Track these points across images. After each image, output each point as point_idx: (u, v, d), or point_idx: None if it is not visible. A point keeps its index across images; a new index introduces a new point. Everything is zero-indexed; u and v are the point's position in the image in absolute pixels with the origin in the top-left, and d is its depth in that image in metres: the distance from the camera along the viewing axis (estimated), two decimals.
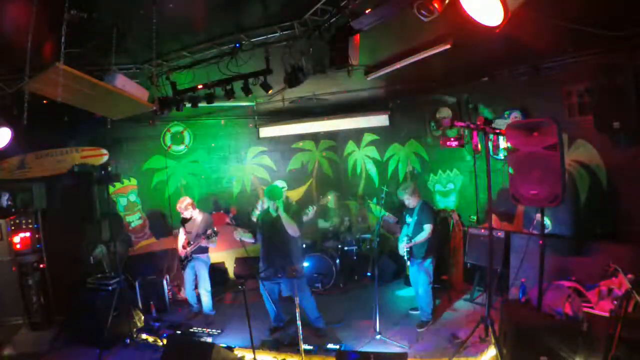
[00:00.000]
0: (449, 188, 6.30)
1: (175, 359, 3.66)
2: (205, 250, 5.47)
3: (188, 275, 5.46)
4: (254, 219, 5.59)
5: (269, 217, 4.62)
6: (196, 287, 5.57)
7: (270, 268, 4.53)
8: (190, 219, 5.49)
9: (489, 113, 5.43)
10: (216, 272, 6.33)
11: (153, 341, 4.70)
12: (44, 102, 3.62)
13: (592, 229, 4.41)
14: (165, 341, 4.25)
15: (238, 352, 4.21)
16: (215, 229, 5.23)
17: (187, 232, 5.47)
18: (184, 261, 5.40)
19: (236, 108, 6.68)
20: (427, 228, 4.58)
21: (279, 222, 4.49)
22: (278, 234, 4.50)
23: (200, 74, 4.38)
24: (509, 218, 5.44)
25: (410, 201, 4.75)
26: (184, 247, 5.40)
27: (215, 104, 4.73)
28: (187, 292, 5.59)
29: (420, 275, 4.70)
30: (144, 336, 4.80)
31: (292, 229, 4.45)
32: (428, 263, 4.66)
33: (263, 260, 4.69)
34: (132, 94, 3.29)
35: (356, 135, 7.72)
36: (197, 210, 5.55)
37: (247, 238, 4.85)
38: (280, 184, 5.75)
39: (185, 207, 5.47)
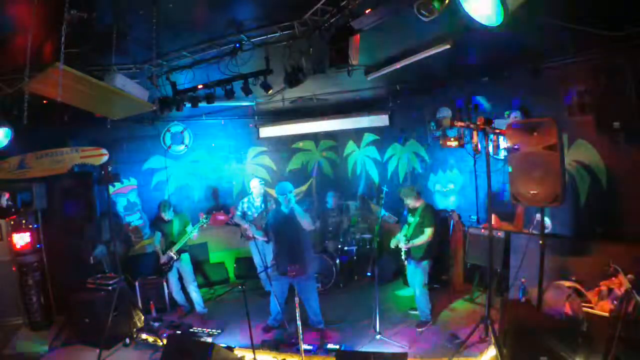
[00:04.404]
0: (449, 188, 6.30)
1: (175, 359, 3.66)
2: (186, 247, 5.48)
3: (172, 275, 5.45)
4: (237, 220, 5.62)
5: (281, 215, 4.58)
6: (182, 286, 5.56)
7: (281, 265, 4.51)
8: (169, 220, 5.50)
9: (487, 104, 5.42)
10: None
11: (153, 341, 4.70)
12: (44, 102, 3.62)
13: (592, 229, 4.40)
14: (165, 341, 4.25)
15: (238, 352, 4.21)
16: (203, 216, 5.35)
17: (165, 235, 5.45)
18: (170, 263, 5.35)
19: (236, 108, 6.69)
20: (428, 232, 4.56)
21: (290, 219, 4.46)
22: (289, 231, 4.47)
23: (200, 74, 4.38)
24: (509, 218, 5.44)
25: (413, 204, 4.75)
26: (164, 251, 5.36)
27: (215, 104, 4.73)
28: (175, 293, 5.55)
29: (416, 276, 4.70)
30: (144, 336, 4.79)
31: (306, 222, 4.42)
32: (425, 264, 4.66)
33: (275, 258, 4.71)
34: (132, 94, 3.29)
35: (356, 135, 7.71)
36: (171, 210, 5.58)
37: (259, 235, 4.87)
38: (255, 181, 5.79)
39: (169, 208, 5.51)
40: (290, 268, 4.14)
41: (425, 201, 4.82)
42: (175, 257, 5.33)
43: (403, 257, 4.74)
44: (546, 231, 4.02)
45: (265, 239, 4.86)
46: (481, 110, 5.46)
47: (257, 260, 5.77)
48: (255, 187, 5.76)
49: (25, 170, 5.83)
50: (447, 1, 2.55)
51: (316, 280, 5.93)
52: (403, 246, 4.66)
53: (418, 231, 4.64)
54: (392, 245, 4.81)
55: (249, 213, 5.72)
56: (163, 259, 5.34)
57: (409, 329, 4.70)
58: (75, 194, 5.79)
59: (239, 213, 5.75)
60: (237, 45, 3.82)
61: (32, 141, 5.66)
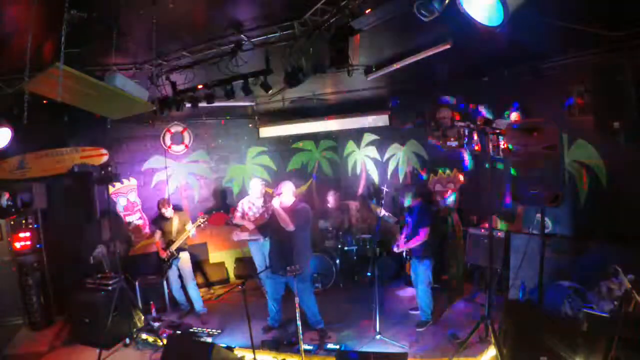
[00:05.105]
0: (449, 188, 6.30)
1: (175, 359, 3.66)
2: (185, 246, 5.50)
3: (172, 273, 5.46)
4: (237, 221, 5.64)
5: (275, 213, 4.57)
6: (182, 285, 5.58)
7: (273, 265, 4.52)
8: (169, 218, 5.51)
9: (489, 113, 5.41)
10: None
11: (153, 341, 4.70)
12: (44, 102, 3.62)
13: (592, 229, 4.41)
14: (165, 341, 4.25)
15: (238, 352, 4.21)
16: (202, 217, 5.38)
17: (165, 233, 5.48)
18: (169, 261, 5.38)
19: (236, 108, 6.68)
20: (422, 232, 4.57)
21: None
22: (280, 231, 4.46)
23: (200, 74, 4.38)
24: (509, 218, 5.44)
25: (410, 201, 4.75)
26: (164, 249, 5.39)
27: (215, 104, 4.73)
28: (175, 292, 5.57)
29: (419, 276, 4.70)
30: (144, 336, 4.79)
31: (283, 221, 4.36)
32: (427, 263, 4.66)
33: (268, 257, 4.72)
34: (132, 94, 3.29)
35: (356, 135, 7.71)
36: (171, 208, 5.61)
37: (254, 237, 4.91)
38: (256, 181, 5.79)
39: (169, 206, 5.54)
40: (289, 268, 4.13)
41: (422, 201, 4.82)
42: (174, 255, 5.34)
43: (404, 255, 4.74)
44: (546, 231, 4.03)
45: (257, 237, 4.86)
46: (480, 116, 5.44)
47: (257, 260, 5.77)
48: (256, 187, 5.76)
49: (25, 170, 5.83)
50: (447, 1, 2.55)
51: (316, 280, 5.95)
52: (401, 248, 4.67)
53: (415, 231, 4.64)
54: (395, 249, 4.80)
55: (250, 214, 5.72)
56: (163, 253, 5.36)
57: (409, 329, 4.70)
58: (75, 194, 5.79)
59: (239, 213, 5.75)
60: (237, 45, 3.82)
61: (32, 141, 5.66)
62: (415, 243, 4.57)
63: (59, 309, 5.40)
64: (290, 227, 4.36)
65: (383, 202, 5.08)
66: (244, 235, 5.58)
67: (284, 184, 4.60)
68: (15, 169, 5.77)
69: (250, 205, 5.76)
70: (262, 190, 5.85)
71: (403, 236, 4.79)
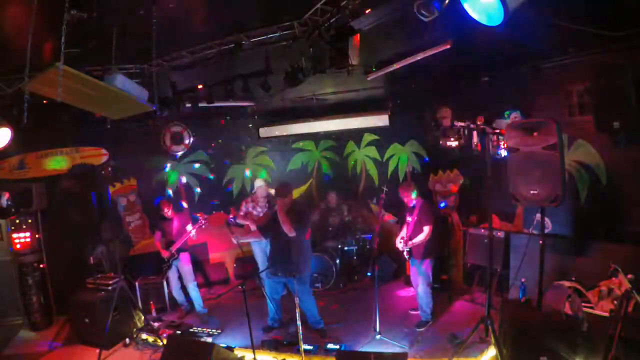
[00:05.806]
0: (449, 188, 6.30)
1: (175, 359, 3.66)
2: (186, 246, 5.52)
3: (172, 274, 5.46)
4: (240, 220, 5.63)
5: (276, 215, 4.55)
6: (182, 285, 5.58)
7: (273, 266, 4.52)
8: (169, 219, 5.52)
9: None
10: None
11: (153, 341, 4.70)
12: (44, 102, 3.62)
13: (592, 229, 4.41)
14: (165, 341, 4.25)
15: (238, 352, 4.22)
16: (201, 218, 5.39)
17: (165, 233, 5.49)
18: (169, 261, 5.38)
19: (236, 108, 6.68)
20: (426, 229, 4.56)
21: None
22: (280, 233, 4.44)
23: (200, 74, 4.39)
24: (509, 218, 5.44)
25: (409, 200, 4.75)
26: (164, 249, 5.39)
27: (215, 104, 4.73)
28: (175, 292, 5.57)
29: (419, 276, 4.70)
30: (144, 336, 4.80)
31: (285, 226, 4.34)
32: (427, 263, 4.66)
33: (268, 259, 4.72)
34: (132, 94, 3.28)
35: (356, 135, 7.71)
36: (171, 209, 5.62)
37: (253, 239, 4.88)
38: (259, 182, 5.78)
39: (169, 206, 5.54)
40: (290, 268, 4.14)
41: (422, 199, 4.81)
42: (174, 255, 5.34)
43: (406, 256, 4.74)
44: (546, 231, 4.02)
45: (258, 239, 4.84)
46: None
47: (259, 260, 5.77)
48: (260, 187, 5.75)
49: (25, 170, 5.83)
50: (447, 1, 2.54)
51: (316, 280, 5.95)
52: (403, 247, 4.66)
53: (417, 230, 4.63)
54: (399, 245, 4.79)
55: (255, 213, 5.72)
56: (164, 253, 5.37)
57: (409, 329, 4.71)
58: (75, 194, 5.79)
59: (242, 213, 5.75)
60: (237, 45, 3.82)
61: (32, 141, 5.67)
62: (421, 240, 4.56)
63: (59, 309, 5.40)
64: (292, 233, 4.35)
65: (383, 202, 5.08)
66: (244, 238, 5.58)
67: (285, 185, 4.60)
68: (15, 169, 5.78)
69: (253, 205, 5.76)
70: (266, 191, 5.85)
71: (405, 235, 4.77)
